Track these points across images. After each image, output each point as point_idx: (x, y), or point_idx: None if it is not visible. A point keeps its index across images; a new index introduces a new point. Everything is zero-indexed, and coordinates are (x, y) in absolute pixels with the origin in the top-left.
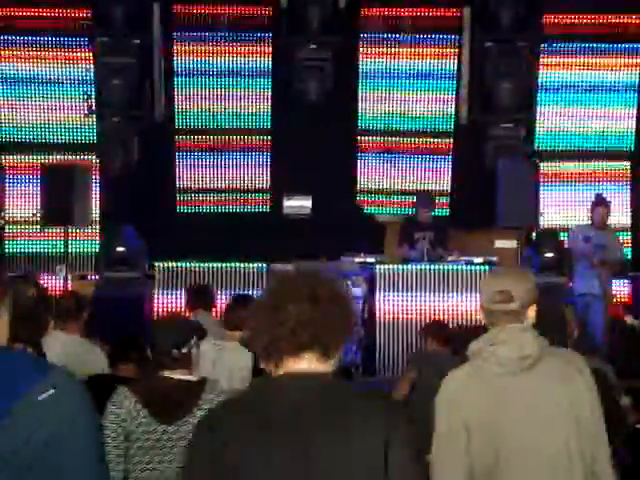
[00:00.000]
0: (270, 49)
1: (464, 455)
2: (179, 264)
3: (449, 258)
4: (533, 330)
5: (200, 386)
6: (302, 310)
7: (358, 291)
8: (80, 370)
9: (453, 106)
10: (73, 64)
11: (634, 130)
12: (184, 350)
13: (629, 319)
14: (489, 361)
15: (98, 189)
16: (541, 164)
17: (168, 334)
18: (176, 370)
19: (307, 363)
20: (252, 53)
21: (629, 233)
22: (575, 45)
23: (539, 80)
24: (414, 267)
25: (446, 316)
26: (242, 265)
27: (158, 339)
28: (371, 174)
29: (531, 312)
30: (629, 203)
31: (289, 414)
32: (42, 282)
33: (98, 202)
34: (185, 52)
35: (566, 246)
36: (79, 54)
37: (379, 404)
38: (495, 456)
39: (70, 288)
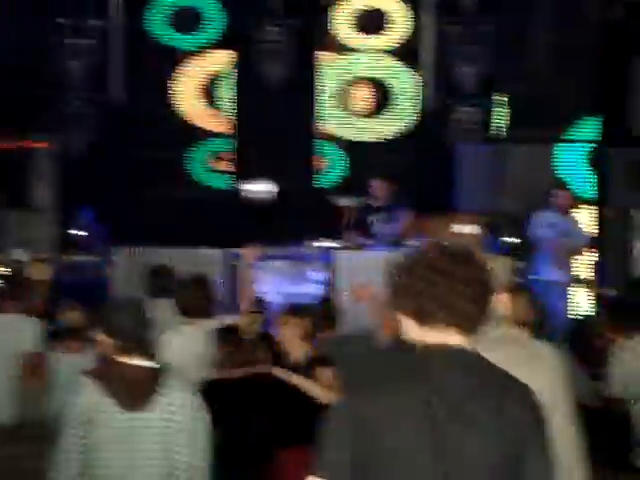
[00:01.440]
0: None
1: None
2: (140, 248)
3: (409, 243)
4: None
5: (161, 372)
6: (475, 288)
7: (320, 276)
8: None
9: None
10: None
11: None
12: (150, 333)
13: None
14: None
15: (57, 172)
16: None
17: (133, 317)
18: (136, 356)
19: (455, 337)
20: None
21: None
22: None
23: None
24: (375, 252)
25: None
26: (204, 250)
27: (123, 322)
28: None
29: (499, 297)
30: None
31: (449, 387)
32: None
33: (57, 185)
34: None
35: (529, 232)
36: None
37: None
38: None
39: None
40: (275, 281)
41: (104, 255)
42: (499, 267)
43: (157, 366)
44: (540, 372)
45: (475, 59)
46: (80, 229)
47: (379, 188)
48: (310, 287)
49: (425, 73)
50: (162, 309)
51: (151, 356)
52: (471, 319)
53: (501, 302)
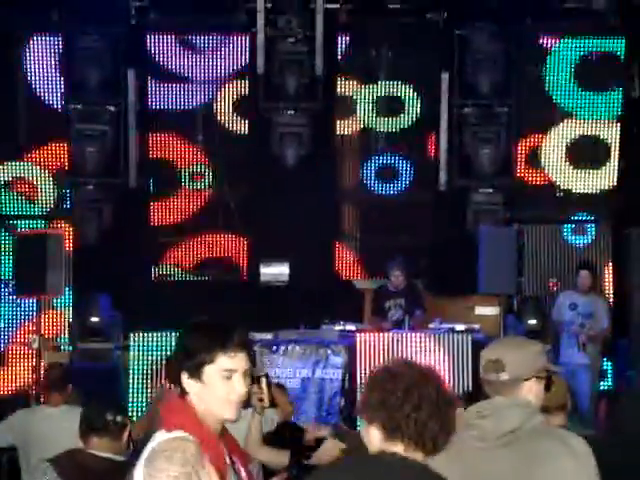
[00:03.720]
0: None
1: None
2: (154, 334)
3: (430, 325)
4: (524, 405)
5: (127, 466)
6: (443, 409)
7: (338, 360)
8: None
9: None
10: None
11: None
12: (119, 418)
13: None
14: (471, 433)
15: (71, 258)
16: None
17: (106, 397)
18: (105, 439)
19: (416, 454)
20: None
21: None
22: None
23: None
24: (395, 335)
25: None
26: None
27: (94, 401)
28: (350, 240)
29: (528, 385)
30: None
31: None
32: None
33: (71, 271)
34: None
35: (553, 314)
36: None
37: None
38: None
39: (43, 360)
40: (294, 365)
41: (119, 341)
42: (531, 353)
43: (120, 459)
44: (577, 469)
45: (492, 140)
46: (95, 316)
47: (397, 274)
48: (330, 371)
49: (441, 154)
50: None
51: (120, 446)
52: (435, 439)
53: (531, 391)
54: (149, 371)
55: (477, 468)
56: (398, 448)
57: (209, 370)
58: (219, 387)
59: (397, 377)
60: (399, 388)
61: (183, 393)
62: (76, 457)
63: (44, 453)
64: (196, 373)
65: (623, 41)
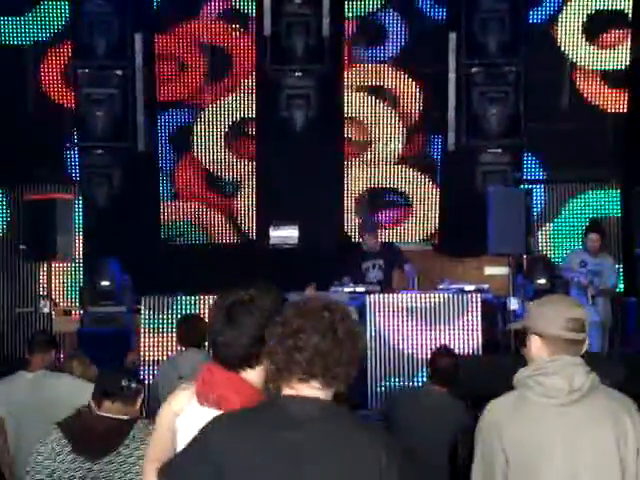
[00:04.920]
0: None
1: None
2: (166, 297)
3: (439, 286)
4: (585, 364)
5: (129, 424)
6: (320, 341)
7: None
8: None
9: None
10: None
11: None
12: (134, 385)
13: None
14: (535, 391)
15: (81, 222)
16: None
17: (121, 363)
18: (117, 403)
19: (310, 389)
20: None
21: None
22: None
23: None
24: (405, 295)
25: (438, 345)
26: None
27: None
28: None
29: (585, 345)
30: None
31: (292, 435)
32: None
33: (81, 236)
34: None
35: (562, 272)
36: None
37: (378, 436)
38: None
39: (54, 324)
40: None
41: (130, 305)
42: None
43: (125, 418)
44: (635, 429)
45: (500, 100)
46: (106, 280)
47: (367, 237)
48: None
49: (450, 115)
50: (193, 358)
51: (133, 412)
52: (326, 372)
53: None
54: (161, 335)
55: (548, 422)
56: (292, 387)
57: None
58: None
59: (282, 315)
60: (279, 323)
61: (249, 364)
62: (83, 418)
63: (21, 420)
64: None
65: None
